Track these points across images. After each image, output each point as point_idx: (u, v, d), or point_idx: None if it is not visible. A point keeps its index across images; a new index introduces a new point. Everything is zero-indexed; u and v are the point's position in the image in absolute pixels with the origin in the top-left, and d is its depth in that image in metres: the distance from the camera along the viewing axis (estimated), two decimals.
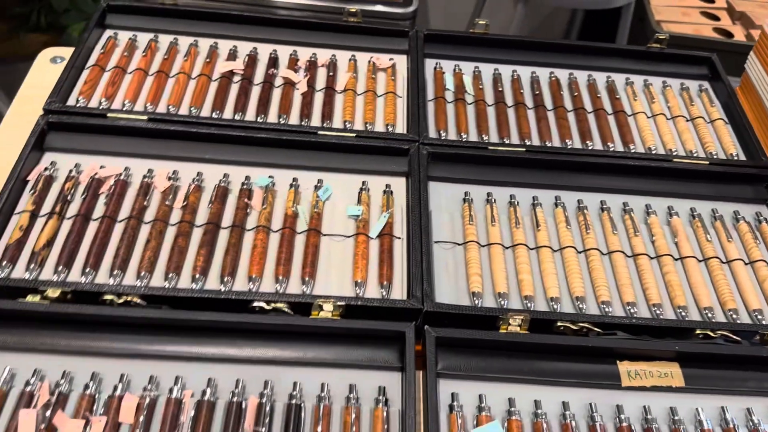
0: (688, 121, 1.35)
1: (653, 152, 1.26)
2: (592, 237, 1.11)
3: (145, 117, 1.15)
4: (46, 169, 1.09)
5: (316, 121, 1.24)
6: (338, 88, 1.31)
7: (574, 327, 0.98)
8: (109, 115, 1.15)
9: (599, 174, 1.21)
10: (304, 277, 1.01)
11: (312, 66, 1.34)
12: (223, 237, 1.05)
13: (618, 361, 0.96)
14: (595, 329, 0.98)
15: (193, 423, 0.84)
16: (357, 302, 0.96)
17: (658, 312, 1.03)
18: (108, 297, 0.93)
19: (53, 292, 0.92)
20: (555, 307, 1.02)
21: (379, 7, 2.00)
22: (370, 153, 1.19)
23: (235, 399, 0.87)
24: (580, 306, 1.02)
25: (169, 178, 1.11)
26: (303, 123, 1.22)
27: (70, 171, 1.10)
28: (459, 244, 1.08)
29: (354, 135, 1.19)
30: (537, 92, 1.35)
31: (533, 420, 0.91)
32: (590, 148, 1.25)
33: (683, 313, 1.03)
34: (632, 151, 1.26)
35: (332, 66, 1.34)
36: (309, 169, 1.17)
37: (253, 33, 1.38)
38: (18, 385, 0.87)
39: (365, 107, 1.27)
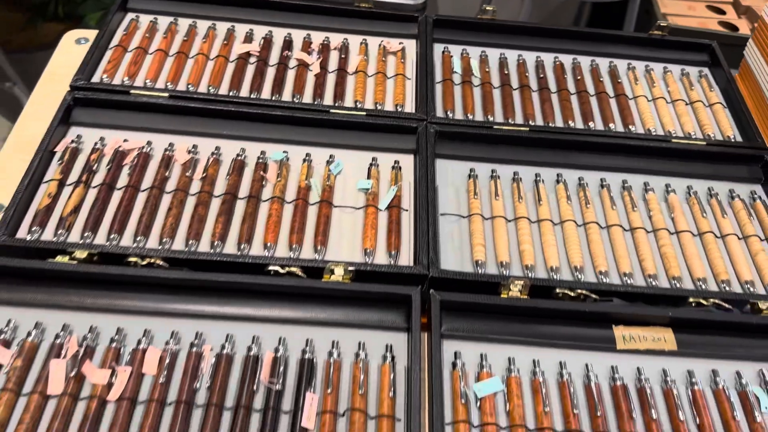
0: (687, 104, 1.40)
1: (653, 133, 1.31)
2: (592, 211, 1.16)
3: (166, 94, 1.21)
4: (72, 141, 1.15)
5: (328, 100, 1.29)
6: (350, 69, 1.36)
7: (572, 294, 1.02)
8: (132, 92, 1.21)
9: (600, 153, 1.26)
10: (317, 245, 1.06)
11: (325, 49, 1.39)
12: (240, 207, 1.10)
13: (613, 326, 1.00)
14: (593, 296, 1.03)
15: (213, 373, 0.90)
16: (366, 268, 1.01)
17: (653, 282, 1.07)
18: (132, 259, 0.99)
19: (81, 254, 0.98)
20: (555, 276, 1.06)
21: None
22: (379, 131, 1.23)
23: (251, 353, 0.92)
24: (579, 276, 1.07)
25: (189, 152, 1.17)
26: (316, 102, 1.27)
27: (95, 144, 1.16)
28: (464, 217, 1.13)
29: (365, 113, 1.24)
30: (541, 76, 1.39)
31: (531, 378, 0.95)
32: (592, 129, 1.30)
33: (677, 284, 1.07)
34: (632, 131, 1.31)
35: (344, 49, 1.39)
36: (321, 145, 1.22)
37: (269, 17, 1.44)
38: (48, 339, 0.93)
39: (375, 88, 1.32)
